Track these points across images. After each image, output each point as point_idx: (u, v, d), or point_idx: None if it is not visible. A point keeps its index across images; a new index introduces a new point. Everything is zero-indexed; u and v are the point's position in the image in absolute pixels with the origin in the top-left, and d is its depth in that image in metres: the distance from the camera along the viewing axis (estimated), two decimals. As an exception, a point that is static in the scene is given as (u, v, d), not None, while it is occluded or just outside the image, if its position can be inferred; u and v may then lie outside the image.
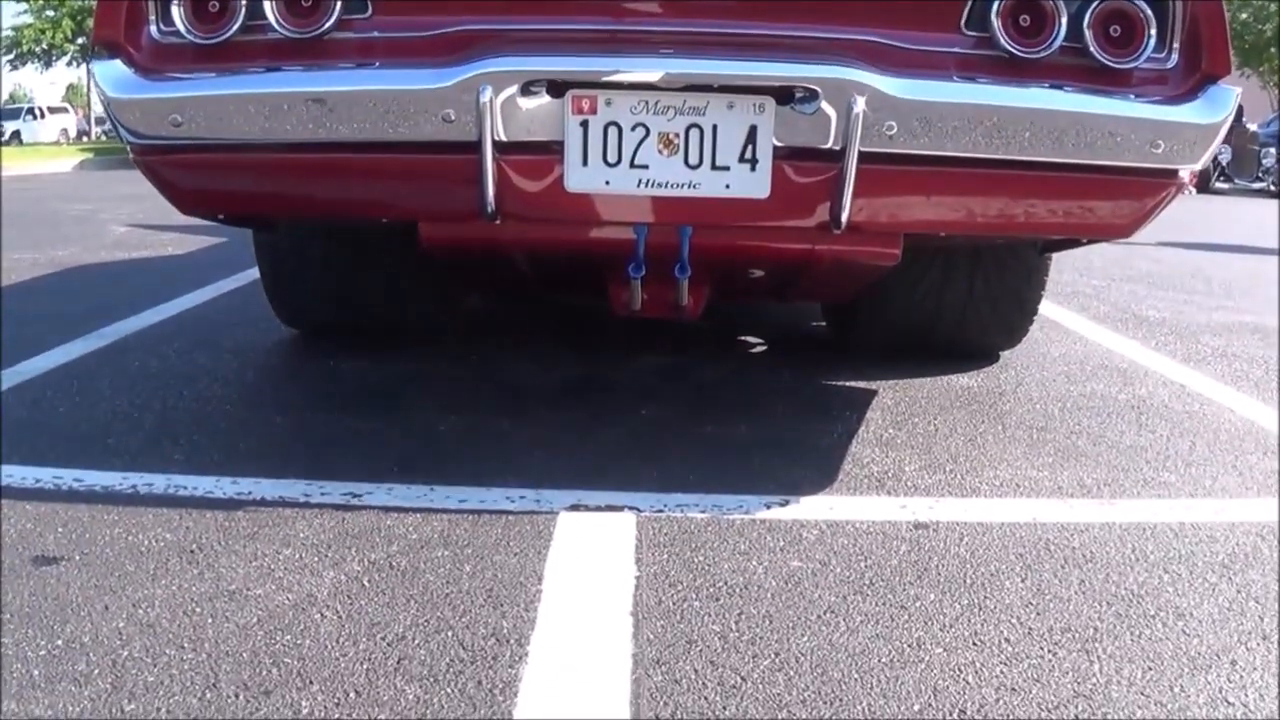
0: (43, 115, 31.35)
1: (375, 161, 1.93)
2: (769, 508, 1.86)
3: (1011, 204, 2.01)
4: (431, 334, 2.98)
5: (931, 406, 2.54)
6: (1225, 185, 12.18)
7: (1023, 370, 2.93)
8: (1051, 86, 1.92)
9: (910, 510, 1.87)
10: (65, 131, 31.23)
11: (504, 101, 1.84)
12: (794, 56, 1.90)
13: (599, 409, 2.44)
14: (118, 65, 1.91)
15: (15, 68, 28.92)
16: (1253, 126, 15.85)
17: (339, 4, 1.90)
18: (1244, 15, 23.87)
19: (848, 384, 2.73)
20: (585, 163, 1.90)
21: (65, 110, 33.83)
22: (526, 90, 1.85)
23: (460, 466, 2.03)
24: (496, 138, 1.84)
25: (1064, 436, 2.35)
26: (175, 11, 1.91)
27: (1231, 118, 1.96)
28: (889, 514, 1.86)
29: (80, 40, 26.81)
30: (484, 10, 1.94)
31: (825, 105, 1.85)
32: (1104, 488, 2.03)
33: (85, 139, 29.99)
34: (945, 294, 2.78)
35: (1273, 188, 14.17)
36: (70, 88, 45.51)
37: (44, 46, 27.54)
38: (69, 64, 29.34)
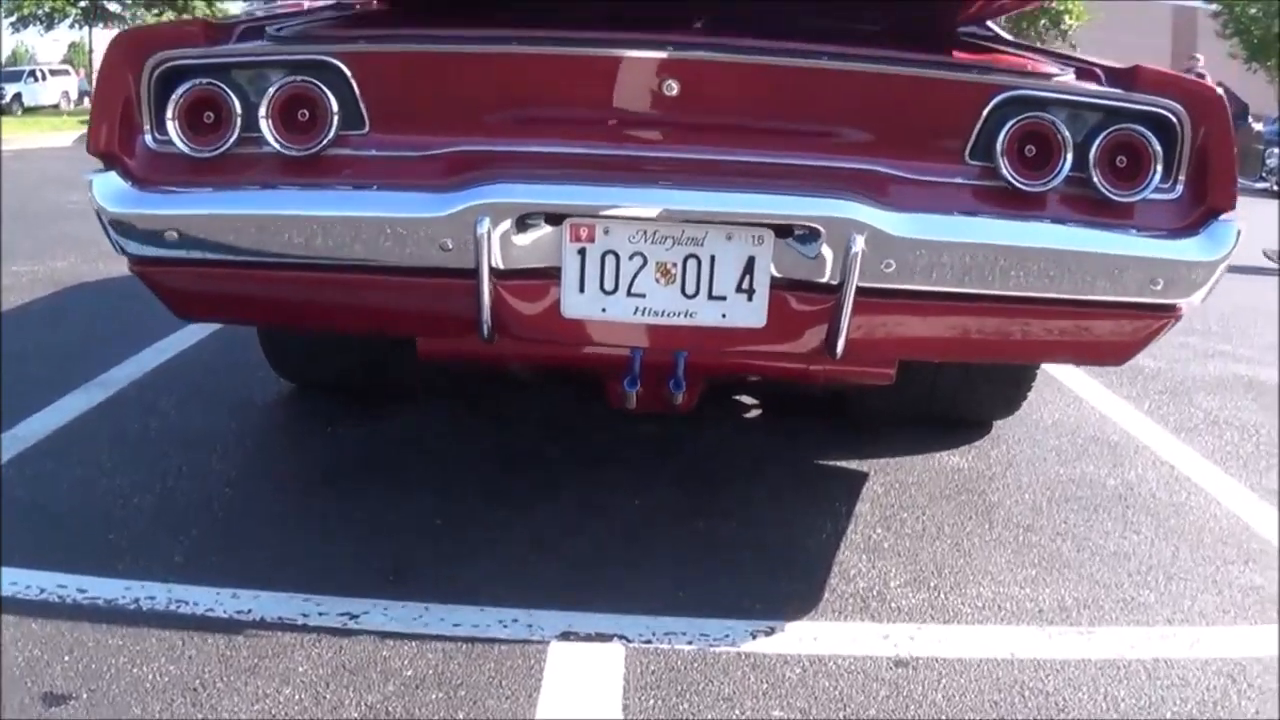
0: (44, 78, 30.99)
1: (371, 281, 1.94)
2: (754, 637, 1.90)
3: (1008, 336, 2.03)
4: (426, 392, 3.01)
5: (921, 496, 2.58)
6: (1230, 185, 12.17)
7: (1014, 446, 2.97)
8: (1054, 221, 1.93)
9: (892, 641, 1.92)
10: (66, 94, 30.91)
11: (501, 232, 1.86)
12: (794, 188, 1.91)
13: (590, 496, 2.47)
14: (113, 178, 1.92)
15: (17, 30, 28.63)
16: (1258, 126, 15.71)
17: (336, 121, 1.91)
18: (1253, 9, 23.53)
19: (840, 463, 2.77)
20: (582, 290, 1.92)
21: (66, 72, 33.40)
22: (523, 221, 1.88)
23: (454, 574, 2.08)
24: (494, 266, 1.86)
25: (1049, 538, 2.39)
26: (170, 124, 1.91)
27: (1232, 249, 1.96)
28: (871, 647, 1.90)
29: (83, 3, 26.53)
30: (480, 132, 1.94)
31: (824, 242, 1.88)
32: (1083, 611, 2.07)
33: (86, 99, 29.78)
34: (942, 370, 2.81)
35: (1276, 188, 14.08)
36: (72, 46, 45.01)
37: (45, 10, 27.22)
38: (71, 26, 29.04)
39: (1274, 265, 7.08)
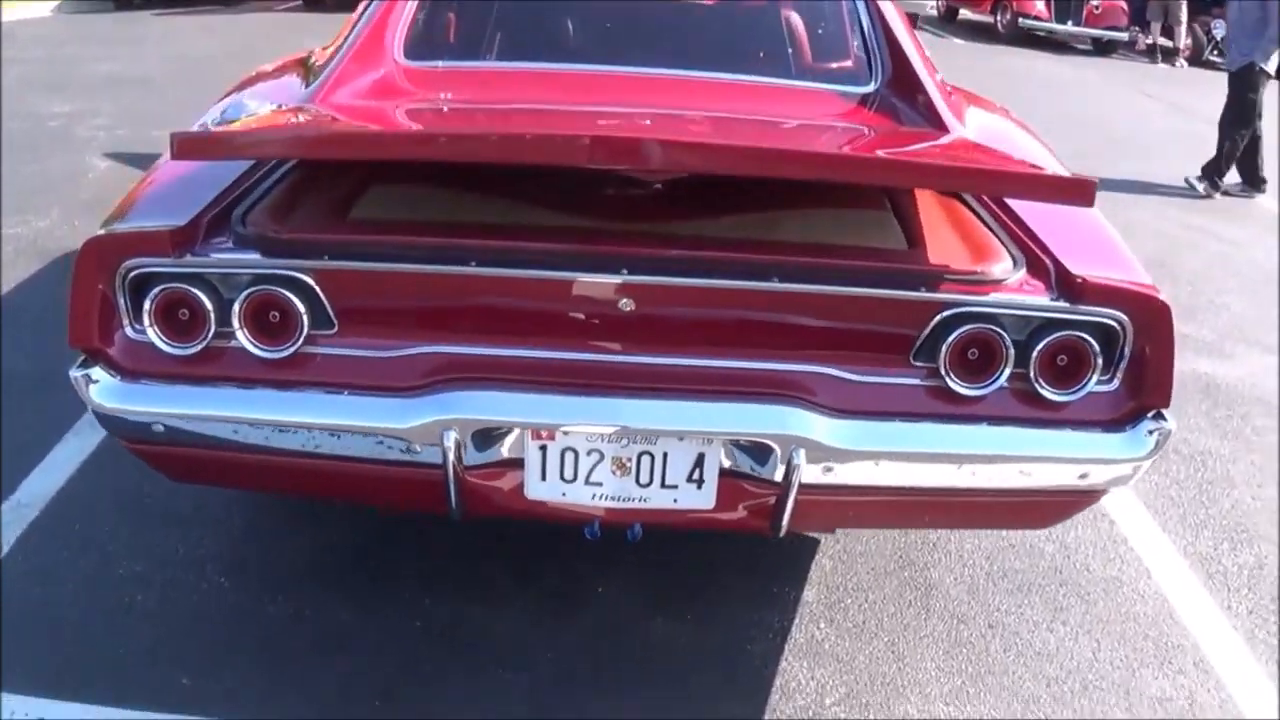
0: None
1: (349, 470, 2.06)
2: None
3: (941, 518, 2.17)
4: None
5: (865, 573, 2.76)
6: (1220, 59, 11.52)
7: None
8: (992, 423, 2.02)
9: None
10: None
11: (467, 438, 1.97)
12: (743, 397, 2.00)
13: (561, 604, 2.60)
14: (99, 374, 2.02)
15: None
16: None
17: (305, 326, 1.98)
18: None
19: (792, 541, 2.87)
20: (544, 478, 2.05)
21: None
22: (486, 431, 1.98)
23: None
24: (460, 465, 1.98)
25: (981, 632, 2.59)
26: (147, 323, 1.99)
27: (1156, 450, 2.05)
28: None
29: None
30: (443, 337, 2.01)
31: (769, 452, 1.98)
32: (998, 740, 2.30)
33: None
34: None
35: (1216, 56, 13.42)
36: None
37: None
38: None
39: (1199, 193, 7.03)
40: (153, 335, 2.00)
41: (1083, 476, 2.06)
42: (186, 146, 1.92)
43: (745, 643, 2.52)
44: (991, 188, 2.19)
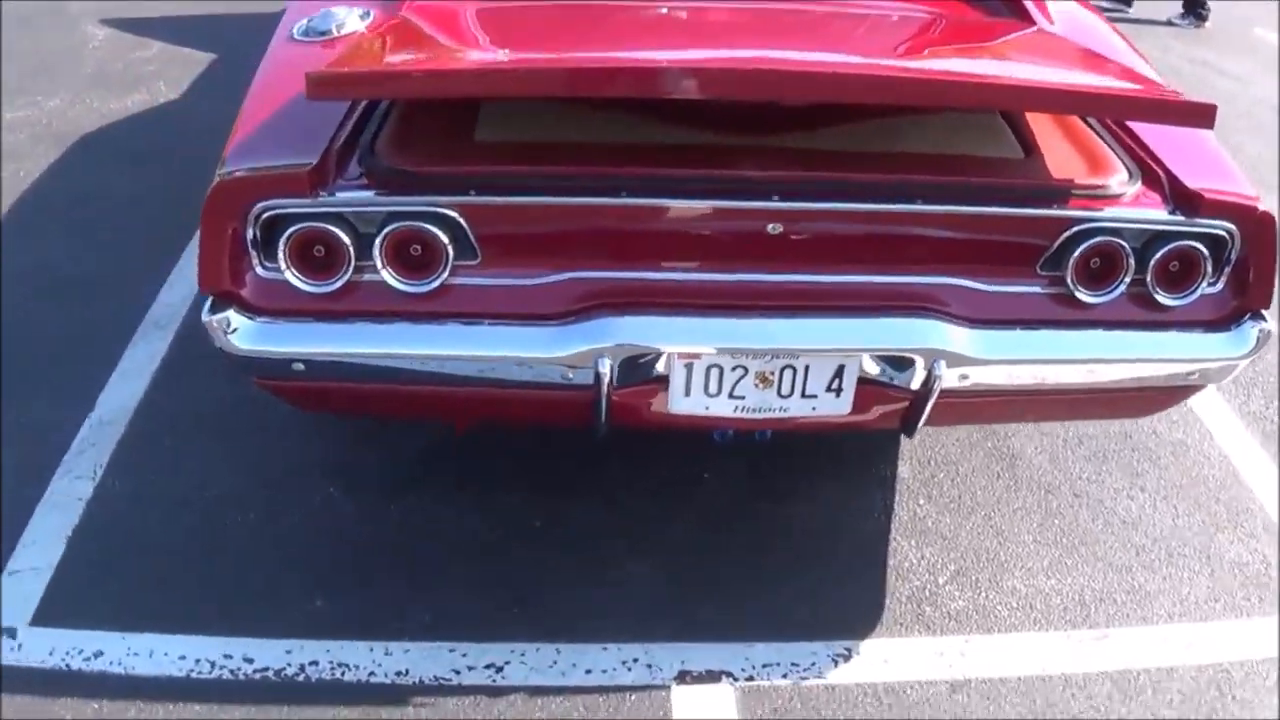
0: None
1: (493, 394, 2.07)
2: (835, 664, 2.27)
3: (1057, 413, 2.26)
4: None
5: (953, 449, 2.88)
6: None
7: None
8: (1110, 327, 2.10)
9: (947, 660, 2.30)
10: None
11: (618, 362, 1.98)
12: (886, 310, 2.04)
13: (669, 498, 2.67)
14: (235, 317, 1.97)
15: None
16: None
17: (450, 259, 1.95)
18: None
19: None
20: (688, 394, 2.08)
21: None
22: (637, 354, 1.99)
23: (570, 609, 2.37)
24: (611, 387, 2.00)
25: (1068, 505, 2.73)
26: (282, 262, 1.95)
27: (1258, 348, 2.16)
28: (930, 668, 2.28)
29: None
30: (589, 263, 2.00)
31: (909, 363, 2.04)
32: (1099, 608, 2.45)
33: None
34: None
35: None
36: None
37: None
38: None
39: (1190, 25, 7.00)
40: (289, 274, 1.95)
41: (1191, 374, 2.17)
42: (321, 87, 1.82)
43: (852, 523, 2.64)
44: (1118, 112, 2.20)
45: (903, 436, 2.85)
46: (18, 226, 3.74)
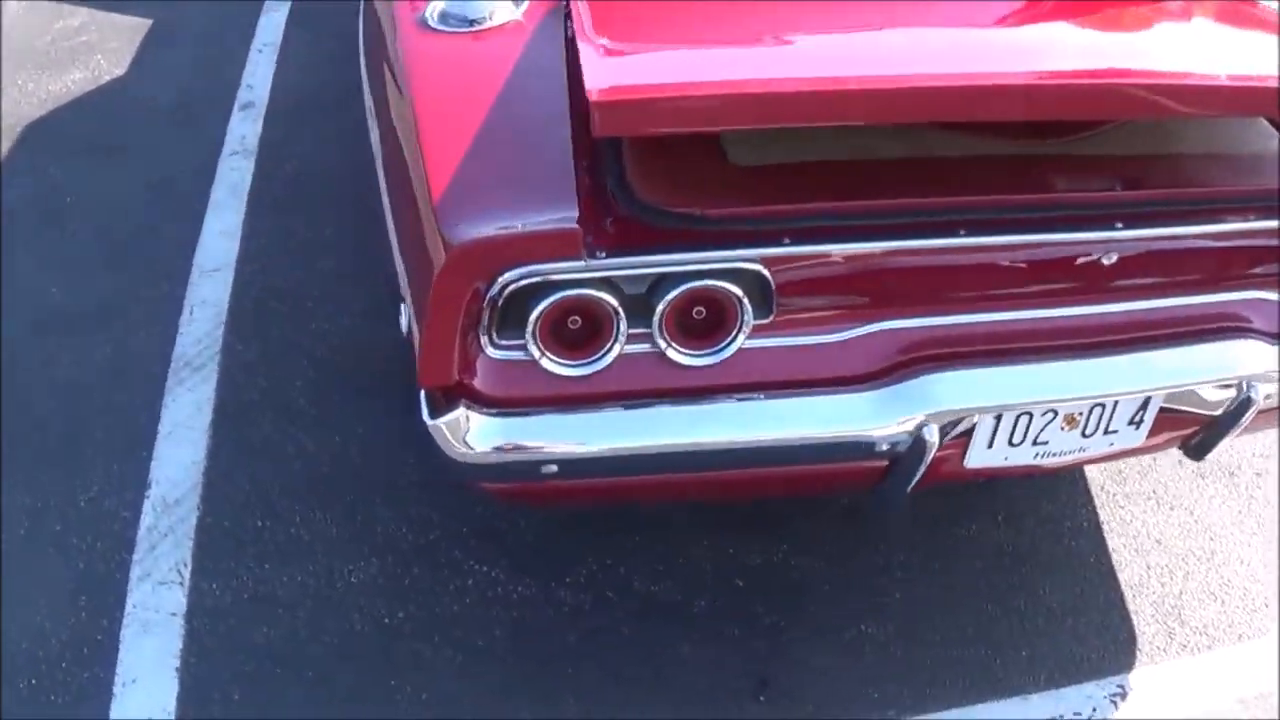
0: None
1: (783, 472, 1.78)
2: (1115, 705, 2.11)
3: None
4: None
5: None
6: None
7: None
8: None
9: (1219, 678, 2.19)
10: None
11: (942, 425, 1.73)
12: (1197, 337, 1.84)
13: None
14: (469, 414, 1.61)
15: None
16: None
17: (747, 320, 1.63)
18: None
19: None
20: (990, 446, 1.84)
21: None
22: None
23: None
24: (934, 452, 1.75)
25: (1252, 484, 2.62)
26: (531, 339, 1.58)
27: None
28: (1207, 692, 2.15)
29: None
30: (891, 312, 1.72)
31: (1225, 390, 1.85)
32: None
33: None
34: None
35: None
36: None
37: None
38: None
39: None
40: (537, 354, 1.60)
41: None
42: (617, 120, 1.46)
43: (1064, 541, 2.46)
44: None
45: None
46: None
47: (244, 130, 3.67)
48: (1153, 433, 1.92)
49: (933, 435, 1.69)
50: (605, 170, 1.64)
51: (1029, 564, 2.39)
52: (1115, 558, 2.42)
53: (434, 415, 1.60)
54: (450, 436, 1.60)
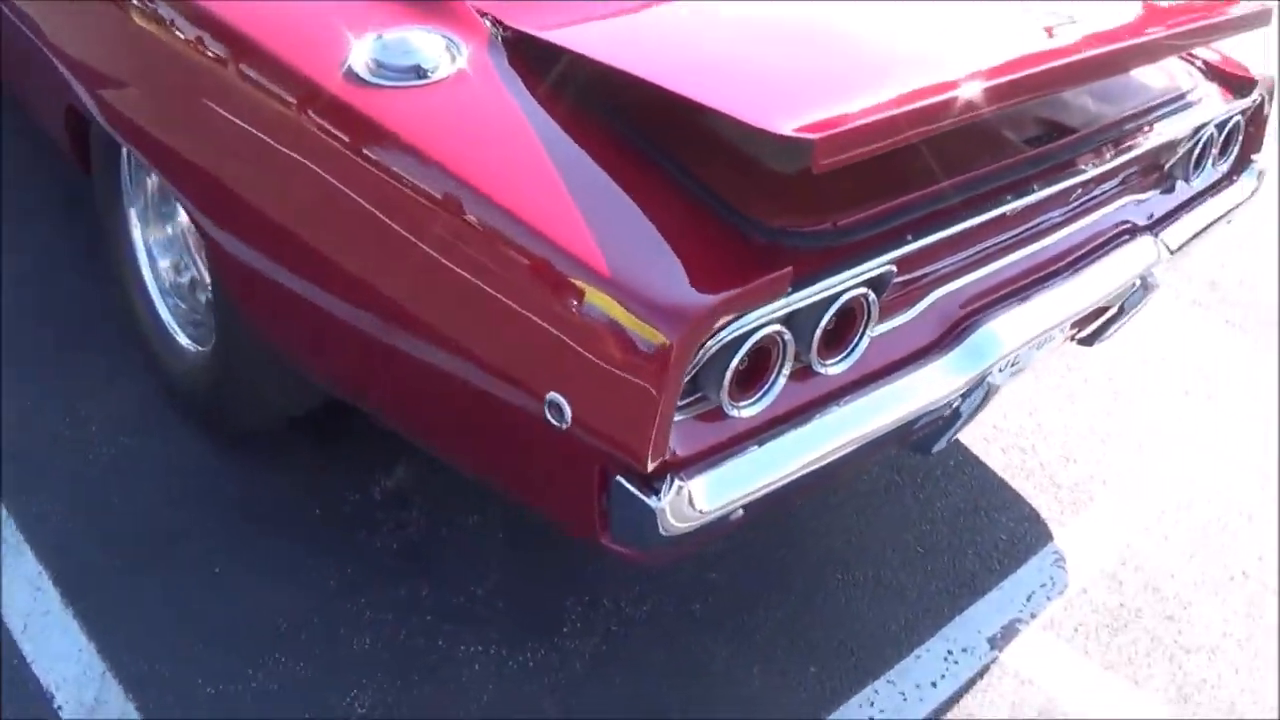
0: None
1: (875, 445, 1.81)
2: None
3: None
4: None
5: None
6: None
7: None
8: None
9: None
10: None
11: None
12: (1118, 243, 2.09)
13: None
14: (687, 482, 1.47)
15: None
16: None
17: (873, 320, 1.62)
18: None
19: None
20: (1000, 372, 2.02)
21: None
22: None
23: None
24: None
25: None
26: (723, 387, 1.47)
27: None
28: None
29: None
30: (946, 277, 1.81)
31: None
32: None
33: None
34: None
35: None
36: None
37: None
38: None
39: None
40: (728, 403, 1.50)
41: None
42: (835, 153, 1.38)
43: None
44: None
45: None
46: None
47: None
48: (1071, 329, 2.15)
49: (998, 378, 1.88)
50: (714, 205, 1.55)
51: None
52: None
53: (657, 496, 1.46)
54: (671, 511, 1.46)
